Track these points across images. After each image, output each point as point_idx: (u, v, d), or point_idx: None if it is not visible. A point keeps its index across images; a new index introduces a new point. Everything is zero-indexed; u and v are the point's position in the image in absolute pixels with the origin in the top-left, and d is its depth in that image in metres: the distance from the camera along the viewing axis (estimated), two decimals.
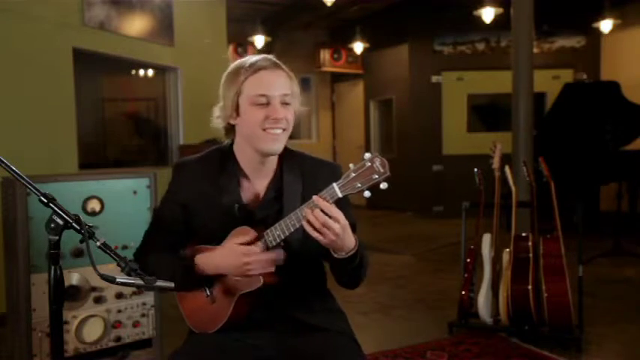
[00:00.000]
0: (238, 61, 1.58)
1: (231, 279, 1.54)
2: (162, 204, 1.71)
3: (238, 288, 1.53)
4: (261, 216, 1.58)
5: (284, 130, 1.54)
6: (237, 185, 1.60)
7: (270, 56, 1.58)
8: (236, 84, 1.53)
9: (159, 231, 1.69)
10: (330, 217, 1.35)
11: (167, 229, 1.66)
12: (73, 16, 4.65)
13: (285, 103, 1.54)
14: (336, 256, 1.44)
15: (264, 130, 1.51)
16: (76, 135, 4.64)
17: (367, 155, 1.35)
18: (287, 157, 1.64)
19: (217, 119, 1.62)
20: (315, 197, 1.37)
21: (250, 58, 1.57)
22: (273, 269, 1.49)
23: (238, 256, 1.47)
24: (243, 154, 1.61)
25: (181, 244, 1.65)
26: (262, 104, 1.51)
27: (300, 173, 1.62)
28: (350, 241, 1.42)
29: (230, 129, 1.61)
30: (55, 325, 1.34)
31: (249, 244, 1.50)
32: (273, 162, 1.62)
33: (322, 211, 1.36)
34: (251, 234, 1.51)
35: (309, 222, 1.37)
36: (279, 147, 1.55)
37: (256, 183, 1.62)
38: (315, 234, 1.37)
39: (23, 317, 2.46)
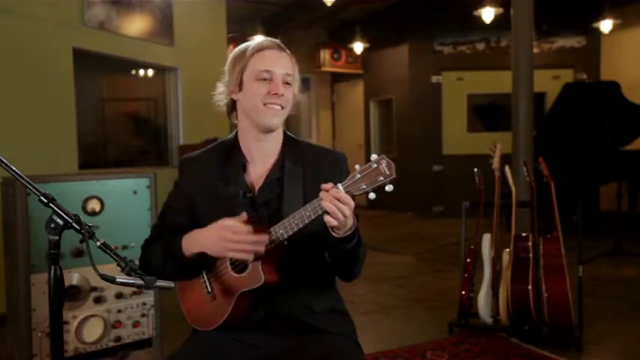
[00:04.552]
0: (246, 43, 1.65)
1: (232, 277, 1.54)
2: (169, 198, 1.72)
3: (239, 286, 1.53)
4: (262, 199, 1.61)
5: (283, 107, 1.59)
6: (242, 173, 1.63)
7: (275, 39, 1.64)
8: (242, 60, 1.60)
9: (165, 224, 1.69)
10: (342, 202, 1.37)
11: (173, 223, 1.67)
12: (73, 16, 4.65)
13: (286, 83, 1.60)
14: (335, 234, 1.44)
15: (264, 104, 1.57)
16: (76, 135, 4.64)
17: (374, 157, 1.36)
18: (289, 143, 1.68)
19: (220, 95, 1.67)
20: (324, 185, 1.38)
21: (257, 39, 1.64)
22: (251, 256, 1.46)
23: (223, 229, 1.47)
24: (246, 135, 1.65)
25: None
26: (265, 79, 1.57)
27: (301, 159, 1.65)
28: (351, 219, 1.43)
29: (232, 106, 1.67)
30: (55, 325, 1.34)
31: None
32: (274, 145, 1.65)
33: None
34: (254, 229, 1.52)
35: (324, 210, 1.38)
36: (277, 122, 1.60)
37: (259, 167, 1.65)
38: (327, 217, 1.38)
39: (23, 317, 2.46)
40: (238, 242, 1.45)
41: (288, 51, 1.63)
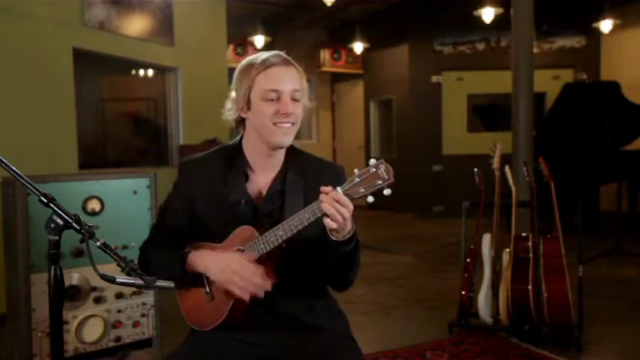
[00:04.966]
0: (251, 57, 1.63)
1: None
2: (168, 199, 1.72)
3: None
4: (265, 210, 1.62)
5: (293, 124, 1.59)
6: (244, 181, 1.64)
7: (281, 53, 1.62)
8: (248, 79, 1.58)
9: (164, 226, 1.70)
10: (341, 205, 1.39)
11: (173, 224, 1.67)
12: (73, 16, 4.65)
13: (294, 99, 1.58)
14: (334, 238, 1.46)
15: (274, 124, 1.56)
16: (76, 135, 4.64)
17: (373, 161, 1.38)
18: (292, 155, 1.68)
19: (229, 112, 1.66)
20: (323, 188, 1.40)
21: (262, 54, 1.61)
22: (248, 297, 1.49)
23: (234, 263, 1.49)
24: (253, 148, 1.65)
25: (187, 239, 1.66)
26: (273, 99, 1.56)
27: (303, 171, 1.66)
28: (349, 223, 1.45)
29: (240, 122, 1.66)
30: (55, 325, 1.34)
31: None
32: (279, 157, 1.66)
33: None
34: (254, 234, 1.53)
35: (324, 212, 1.40)
36: (288, 140, 1.60)
37: (262, 177, 1.65)
38: (326, 220, 1.40)
39: (23, 317, 2.46)
40: (242, 280, 1.48)
41: (294, 63, 1.61)
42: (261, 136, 1.60)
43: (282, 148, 1.63)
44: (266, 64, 1.57)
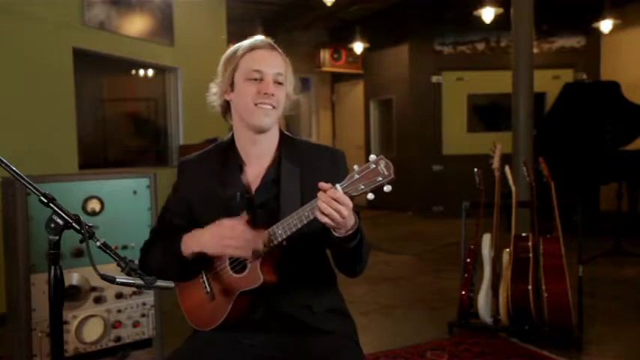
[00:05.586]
0: (238, 43, 1.64)
1: (231, 277, 1.54)
2: (167, 202, 1.73)
3: (238, 286, 1.53)
4: (259, 201, 1.60)
5: (274, 107, 1.58)
6: (239, 175, 1.63)
7: (267, 39, 1.64)
8: (233, 60, 1.60)
9: (164, 228, 1.70)
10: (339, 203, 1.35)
11: (172, 226, 1.67)
12: (73, 16, 4.65)
13: (278, 82, 1.59)
14: (336, 234, 1.43)
15: (255, 104, 1.57)
16: (76, 135, 4.64)
17: (372, 157, 1.34)
18: (286, 143, 1.67)
19: (213, 96, 1.67)
20: (321, 185, 1.36)
21: (248, 40, 1.63)
22: (250, 253, 1.47)
23: (221, 227, 1.49)
24: (241, 137, 1.65)
25: None
26: (256, 79, 1.57)
27: (299, 158, 1.63)
28: (351, 219, 1.41)
29: (226, 107, 1.67)
30: (55, 325, 1.34)
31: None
32: (269, 146, 1.65)
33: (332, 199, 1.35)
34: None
35: (321, 211, 1.36)
36: (268, 122, 1.59)
37: (255, 168, 1.64)
38: (324, 219, 1.36)
39: (23, 317, 2.46)
40: (235, 239, 1.46)
41: (280, 50, 1.63)
42: (243, 118, 1.60)
43: (264, 131, 1.60)
44: (251, 47, 1.59)
